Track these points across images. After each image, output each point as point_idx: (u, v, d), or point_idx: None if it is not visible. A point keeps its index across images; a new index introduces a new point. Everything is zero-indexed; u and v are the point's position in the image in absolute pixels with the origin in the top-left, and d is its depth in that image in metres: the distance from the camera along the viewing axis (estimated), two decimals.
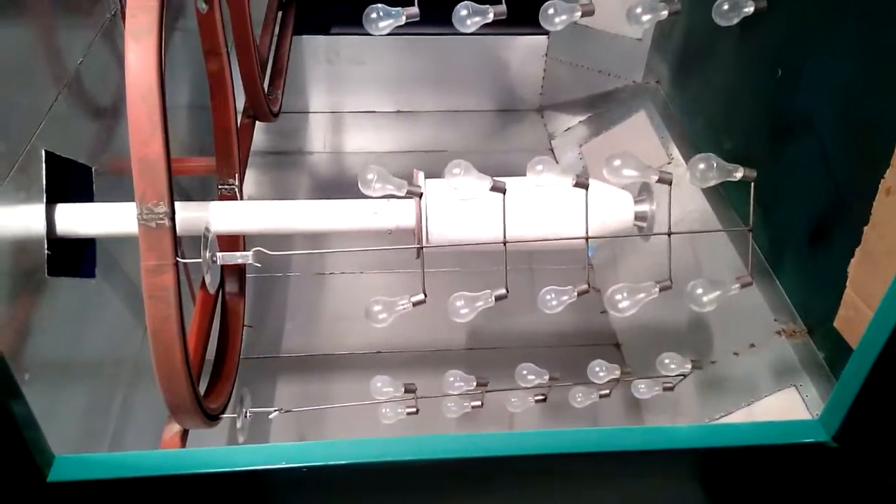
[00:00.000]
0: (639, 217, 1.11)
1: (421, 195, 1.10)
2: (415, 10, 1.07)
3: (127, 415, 1.28)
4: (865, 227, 1.09)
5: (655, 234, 1.14)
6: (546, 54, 2.34)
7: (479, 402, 1.30)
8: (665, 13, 1.06)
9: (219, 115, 1.32)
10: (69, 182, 1.11)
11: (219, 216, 1.11)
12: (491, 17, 1.05)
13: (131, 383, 1.31)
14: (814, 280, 1.30)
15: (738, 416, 1.30)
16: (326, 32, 2.33)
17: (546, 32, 2.31)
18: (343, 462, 0.72)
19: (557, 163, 2.27)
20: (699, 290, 1.08)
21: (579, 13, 1.04)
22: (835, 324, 1.17)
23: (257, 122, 1.74)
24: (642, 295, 1.09)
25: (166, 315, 0.87)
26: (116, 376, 1.29)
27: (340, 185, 2.22)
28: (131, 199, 0.85)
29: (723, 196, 1.62)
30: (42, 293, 1.03)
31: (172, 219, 0.85)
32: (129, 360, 1.33)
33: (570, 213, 1.11)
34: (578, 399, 1.32)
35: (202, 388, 1.17)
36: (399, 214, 1.12)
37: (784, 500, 0.87)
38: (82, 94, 1.21)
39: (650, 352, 1.31)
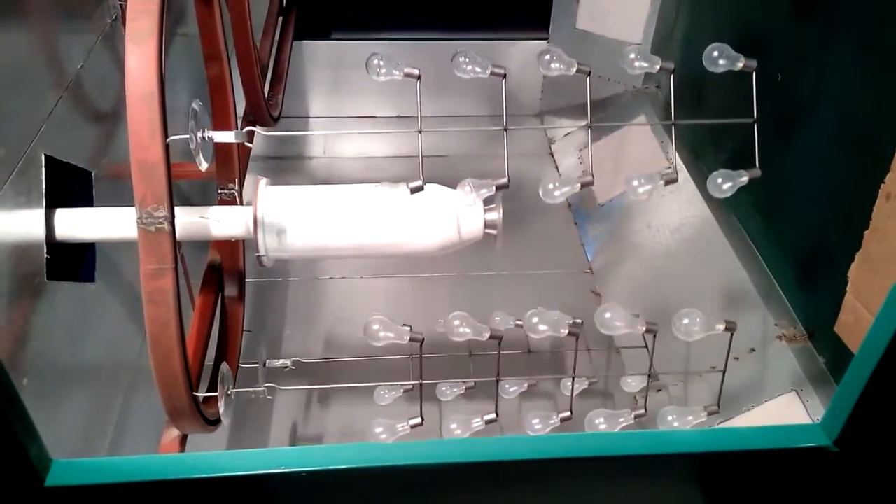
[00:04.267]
0: (489, 225, 1.11)
1: (417, 342, 1.16)
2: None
3: (126, 419, 1.27)
4: (865, 232, 1.09)
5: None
6: None
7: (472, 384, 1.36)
8: (661, 182, 1.10)
9: (219, 120, 1.32)
10: (69, 186, 1.11)
11: (214, 221, 1.10)
12: (494, 189, 1.07)
13: (130, 388, 1.31)
14: (814, 285, 1.30)
15: (739, 421, 1.30)
16: (327, 38, 2.34)
17: (545, 38, 2.31)
18: (343, 466, 0.72)
19: (558, 168, 2.29)
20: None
21: (579, 186, 1.06)
22: (835, 328, 1.16)
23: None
24: (622, 420, 1.21)
25: (166, 319, 0.87)
26: (115, 381, 1.29)
27: None
28: (131, 204, 0.85)
29: (723, 201, 1.62)
30: (41, 297, 1.03)
31: (172, 223, 0.85)
32: (129, 364, 1.32)
33: (414, 221, 1.10)
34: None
35: (201, 393, 1.16)
36: (237, 223, 1.10)
37: None
38: (83, 99, 1.21)
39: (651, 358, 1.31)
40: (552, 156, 2.33)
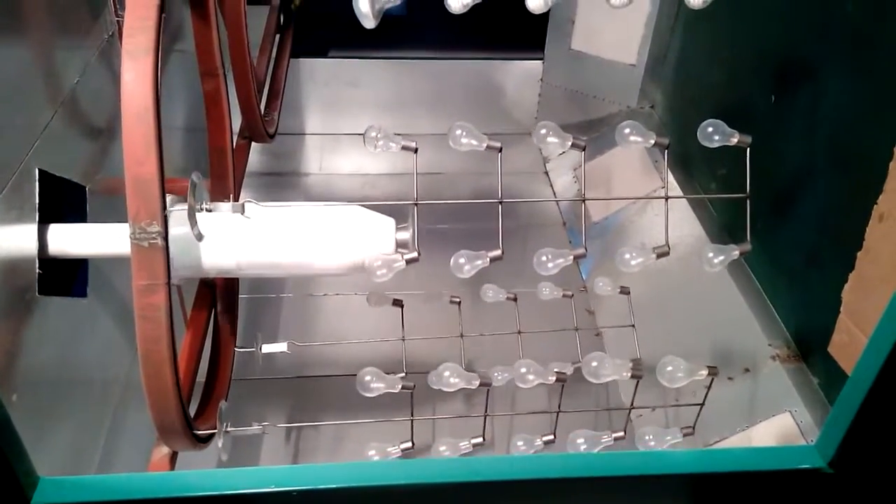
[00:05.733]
0: (400, 245, 1.10)
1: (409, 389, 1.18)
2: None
3: (116, 436, 1.26)
4: (859, 253, 1.10)
5: None
6: (541, 79, 2.36)
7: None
8: (653, 257, 1.13)
9: (214, 136, 1.33)
10: (63, 201, 1.10)
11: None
12: (488, 261, 1.07)
13: (121, 404, 1.30)
14: (808, 305, 1.30)
15: (733, 441, 1.30)
16: (324, 56, 2.35)
17: (541, 57, 2.33)
18: (334, 486, 0.71)
19: (552, 186, 2.29)
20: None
21: (571, 257, 1.09)
22: (829, 349, 1.17)
23: (253, 144, 1.74)
24: (605, 438, 1.25)
25: (157, 335, 0.86)
26: (106, 397, 1.28)
27: None
28: (125, 220, 0.85)
29: (716, 220, 1.63)
30: (32, 313, 1.02)
31: (165, 238, 0.85)
32: (119, 380, 1.31)
33: (324, 240, 1.09)
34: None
35: (192, 410, 1.16)
36: None
37: None
38: (78, 114, 1.21)
39: (645, 378, 1.30)
40: (547, 175, 2.34)
